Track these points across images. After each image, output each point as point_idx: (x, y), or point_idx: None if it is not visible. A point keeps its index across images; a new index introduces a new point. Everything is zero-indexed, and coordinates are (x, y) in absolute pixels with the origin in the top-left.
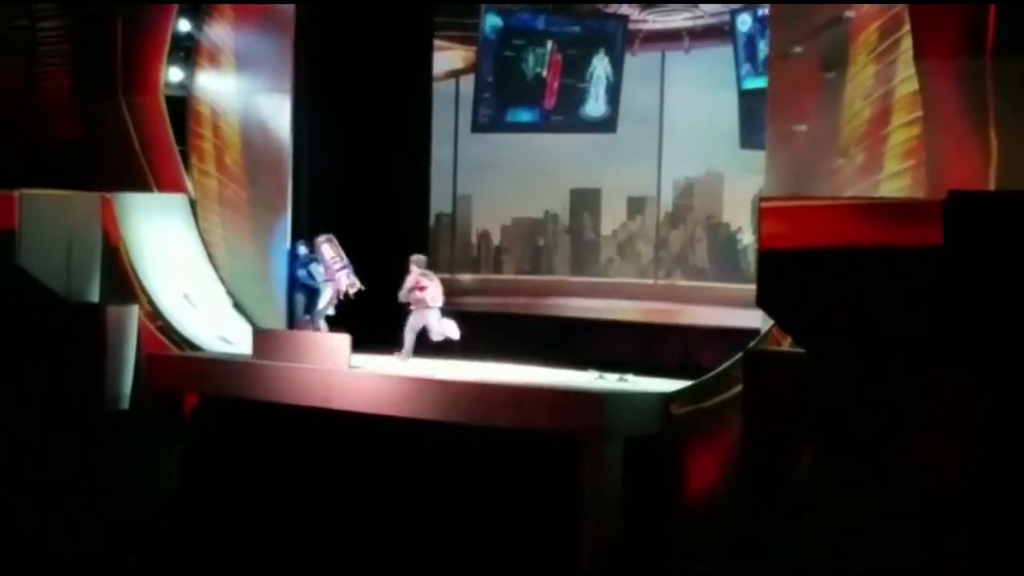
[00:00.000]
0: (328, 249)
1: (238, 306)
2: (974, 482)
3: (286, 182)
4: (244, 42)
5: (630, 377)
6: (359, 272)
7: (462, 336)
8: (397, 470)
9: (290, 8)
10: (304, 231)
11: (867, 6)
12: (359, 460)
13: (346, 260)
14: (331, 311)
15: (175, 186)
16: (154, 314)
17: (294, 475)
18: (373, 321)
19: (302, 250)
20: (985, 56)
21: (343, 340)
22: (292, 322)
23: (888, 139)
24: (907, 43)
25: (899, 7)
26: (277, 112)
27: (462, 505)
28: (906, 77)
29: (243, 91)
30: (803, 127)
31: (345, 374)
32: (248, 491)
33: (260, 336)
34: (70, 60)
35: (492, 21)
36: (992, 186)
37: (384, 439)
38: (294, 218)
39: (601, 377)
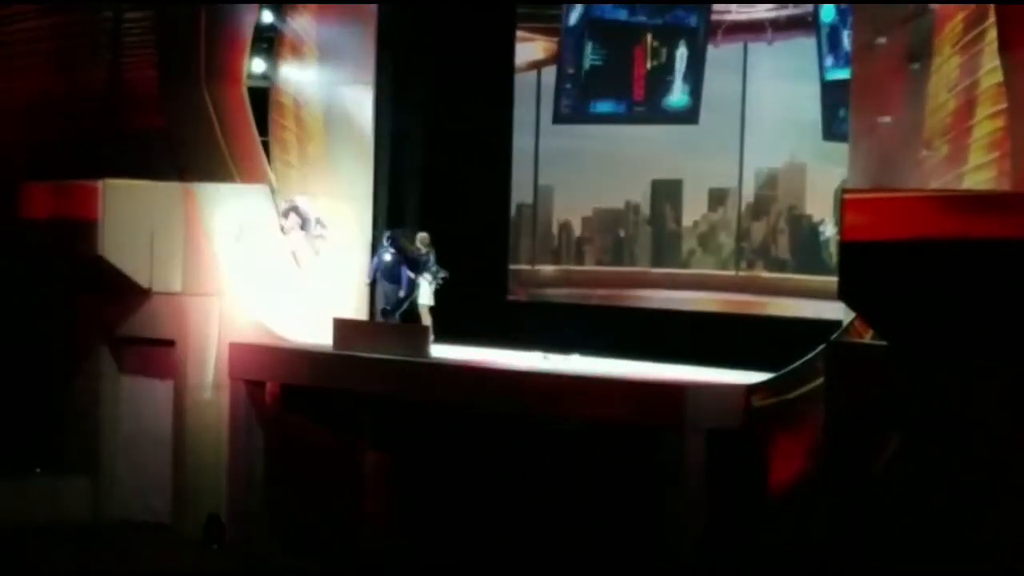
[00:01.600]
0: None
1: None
2: None
3: (368, 173)
4: (327, 34)
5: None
6: (442, 263)
7: (543, 327)
8: (477, 461)
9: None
10: (385, 222)
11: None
12: (440, 450)
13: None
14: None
15: (257, 176)
16: (235, 304)
17: (375, 463)
18: (455, 312)
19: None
20: None
21: (423, 330)
22: (375, 312)
23: (973, 131)
24: (992, 35)
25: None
26: (359, 104)
27: (544, 496)
28: (991, 69)
29: (325, 82)
30: (887, 119)
31: (425, 364)
32: (332, 476)
33: (341, 326)
34: (154, 51)
35: (575, 12)
36: None
37: (464, 430)
38: (376, 209)
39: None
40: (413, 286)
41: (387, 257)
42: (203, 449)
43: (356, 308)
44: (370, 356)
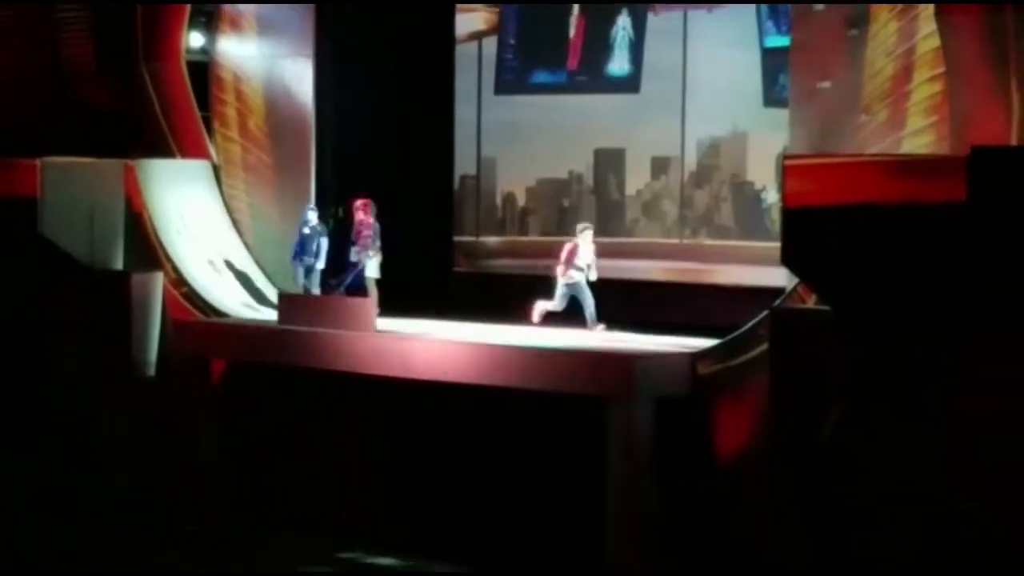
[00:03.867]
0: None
1: (264, 271)
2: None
3: (310, 146)
4: (266, 7)
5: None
6: (386, 236)
7: (488, 298)
8: (424, 432)
9: None
10: (329, 195)
11: None
12: (387, 423)
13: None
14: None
15: (198, 152)
16: (179, 281)
17: (323, 437)
18: (400, 284)
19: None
20: (1006, 10)
21: (368, 304)
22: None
23: (911, 95)
24: None
25: None
26: (300, 77)
27: (492, 467)
28: (928, 33)
29: (265, 56)
30: (826, 84)
31: (371, 337)
32: (277, 453)
33: (286, 301)
34: (91, 27)
35: None
36: (1014, 141)
37: (411, 402)
38: (318, 182)
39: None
40: (358, 260)
41: (305, 231)
42: (151, 427)
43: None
44: (315, 331)
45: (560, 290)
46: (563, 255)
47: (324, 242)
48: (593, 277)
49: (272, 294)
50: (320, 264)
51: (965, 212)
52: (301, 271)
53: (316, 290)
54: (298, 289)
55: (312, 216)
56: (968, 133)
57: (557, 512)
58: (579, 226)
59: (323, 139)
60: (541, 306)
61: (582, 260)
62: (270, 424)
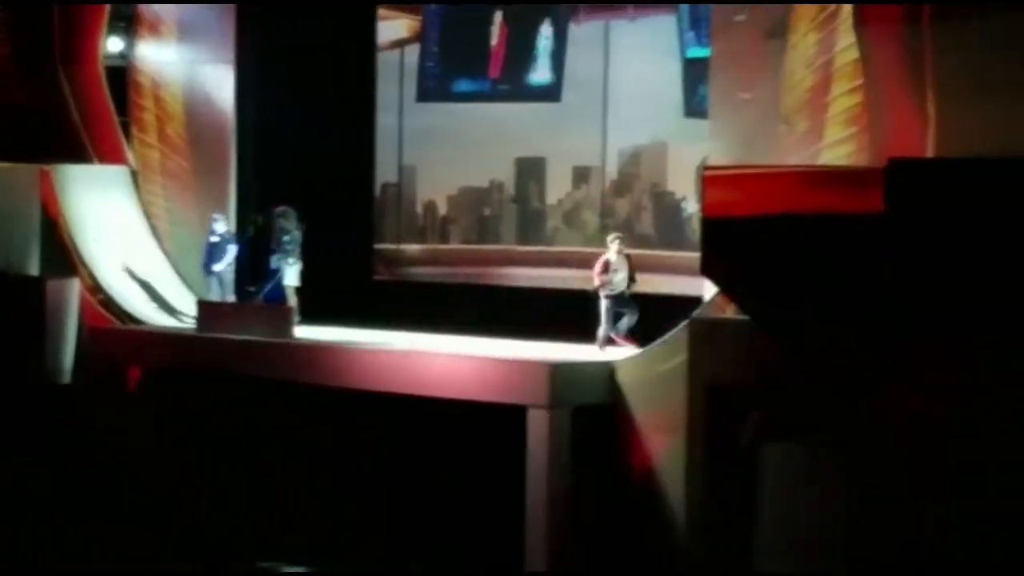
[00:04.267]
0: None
1: (182, 278)
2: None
3: (230, 153)
4: (186, 12)
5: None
6: (307, 243)
7: (409, 306)
8: (343, 440)
9: None
10: (249, 202)
11: None
12: (305, 430)
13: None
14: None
15: (116, 158)
16: (95, 287)
17: (240, 444)
18: (320, 292)
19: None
20: (923, 23)
21: (287, 311)
22: (238, 294)
23: (830, 107)
24: (847, 11)
25: None
26: (220, 83)
27: (411, 473)
28: (847, 45)
29: (185, 61)
30: (746, 95)
31: (289, 345)
32: (196, 460)
33: (204, 308)
34: (7, 29)
35: None
36: (931, 152)
37: (330, 409)
38: (239, 189)
39: None
40: (278, 268)
41: (214, 239)
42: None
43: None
44: (233, 337)
45: (604, 304)
46: (596, 268)
47: (232, 249)
48: (633, 287)
49: (187, 301)
50: (220, 268)
51: (883, 223)
52: (215, 280)
53: (230, 297)
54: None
55: (220, 224)
56: (886, 144)
57: (477, 519)
58: (609, 237)
59: (243, 145)
60: (606, 332)
61: (619, 270)
62: (187, 430)
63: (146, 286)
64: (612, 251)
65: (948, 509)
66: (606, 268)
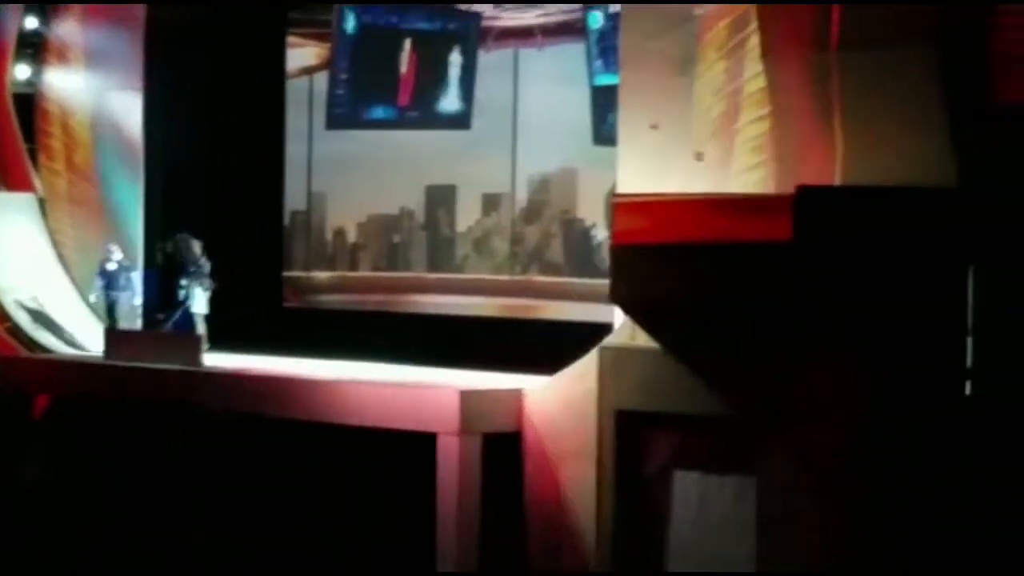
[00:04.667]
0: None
1: (89, 306)
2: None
3: (139, 181)
4: (94, 39)
5: None
6: (216, 271)
7: (319, 334)
8: (252, 467)
9: (140, 4)
10: (158, 230)
11: (716, 3)
12: (216, 456)
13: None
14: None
15: (23, 185)
16: (2, 315)
17: (150, 472)
18: (230, 320)
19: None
20: (830, 51)
21: (196, 339)
22: (146, 321)
23: (739, 134)
24: (754, 40)
25: (746, 5)
26: (129, 110)
27: (323, 501)
28: (755, 73)
29: (93, 89)
30: (655, 123)
31: (199, 372)
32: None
33: (112, 336)
34: None
35: (347, 18)
36: (838, 180)
37: (241, 436)
38: (147, 217)
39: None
40: (186, 295)
41: (111, 267)
42: None
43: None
44: (142, 366)
45: None
46: None
47: (136, 277)
48: None
49: (95, 329)
50: (137, 299)
51: (791, 250)
52: (103, 304)
53: (125, 325)
54: (103, 323)
55: (116, 253)
56: (794, 172)
57: (389, 546)
58: None
59: (152, 173)
60: None
61: None
62: (93, 458)
63: (53, 314)
64: None
65: (853, 535)
66: None
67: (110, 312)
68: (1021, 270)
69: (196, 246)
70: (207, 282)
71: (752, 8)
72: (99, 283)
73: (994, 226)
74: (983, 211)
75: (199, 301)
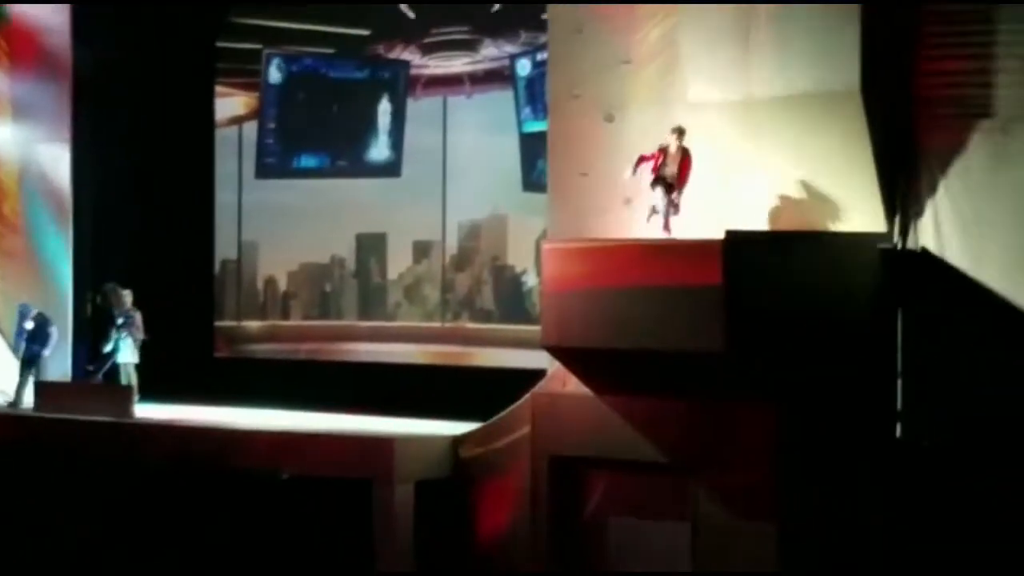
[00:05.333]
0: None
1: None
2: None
3: (68, 231)
4: (20, 90)
5: None
6: (147, 321)
7: (251, 383)
8: (189, 518)
9: (67, 55)
10: (88, 281)
11: (644, 50)
12: (150, 508)
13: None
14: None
15: None
16: None
17: (84, 524)
18: (161, 370)
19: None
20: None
21: (127, 390)
22: (76, 373)
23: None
24: (682, 86)
25: (675, 52)
26: (56, 161)
27: (257, 551)
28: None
29: (21, 140)
30: (584, 170)
31: (130, 423)
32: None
33: (43, 388)
34: None
35: (274, 67)
36: (767, 225)
37: (174, 487)
38: (76, 268)
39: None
40: (115, 346)
41: (28, 325)
42: None
43: (59, 369)
44: (73, 418)
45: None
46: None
47: (54, 331)
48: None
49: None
50: (47, 352)
51: (722, 293)
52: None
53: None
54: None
55: (31, 308)
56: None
57: None
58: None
59: (81, 224)
60: None
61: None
62: (22, 511)
63: None
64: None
65: None
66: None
67: (30, 366)
68: (947, 314)
69: (126, 296)
70: (137, 332)
71: (680, 54)
72: (19, 340)
73: (921, 271)
74: (911, 257)
75: (127, 351)
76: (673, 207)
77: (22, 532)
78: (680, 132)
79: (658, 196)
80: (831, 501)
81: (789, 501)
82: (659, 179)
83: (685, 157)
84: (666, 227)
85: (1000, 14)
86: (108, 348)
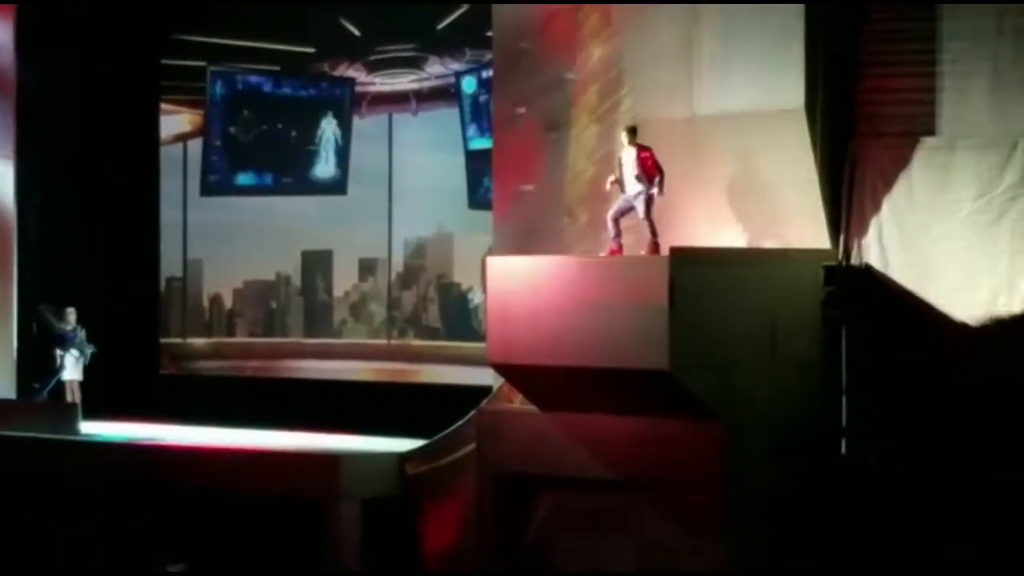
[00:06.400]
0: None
1: None
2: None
3: (11, 249)
4: None
5: None
6: (92, 338)
7: (196, 400)
8: (135, 538)
9: (11, 71)
10: (31, 299)
11: (588, 67)
12: (95, 528)
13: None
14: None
15: None
16: None
17: (29, 544)
18: (106, 387)
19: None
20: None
21: (72, 407)
22: (21, 391)
23: (612, 198)
24: (626, 104)
25: (619, 69)
26: (0, 178)
27: (201, 571)
28: None
29: None
30: (529, 187)
31: (76, 441)
32: None
33: None
34: None
35: (219, 84)
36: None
37: (121, 507)
38: (20, 286)
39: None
40: (60, 363)
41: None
42: None
43: (3, 386)
44: (18, 435)
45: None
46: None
47: None
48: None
49: None
50: None
51: (666, 311)
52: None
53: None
54: None
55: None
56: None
57: None
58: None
59: (25, 242)
60: None
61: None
62: None
63: None
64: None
65: None
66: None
67: None
68: (891, 331)
69: (69, 314)
70: (82, 349)
71: (623, 72)
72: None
73: (865, 288)
74: (855, 273)
75: (71, 369)
76: (650, 199)
77: None
78: (631, 131)
79: (633, 199)
80: (780, 519)
81: (737, 519)
82: (620, 183)
83: (641, 151)
84: (652, 231)
85: (944, 31)
86: (58, 365)
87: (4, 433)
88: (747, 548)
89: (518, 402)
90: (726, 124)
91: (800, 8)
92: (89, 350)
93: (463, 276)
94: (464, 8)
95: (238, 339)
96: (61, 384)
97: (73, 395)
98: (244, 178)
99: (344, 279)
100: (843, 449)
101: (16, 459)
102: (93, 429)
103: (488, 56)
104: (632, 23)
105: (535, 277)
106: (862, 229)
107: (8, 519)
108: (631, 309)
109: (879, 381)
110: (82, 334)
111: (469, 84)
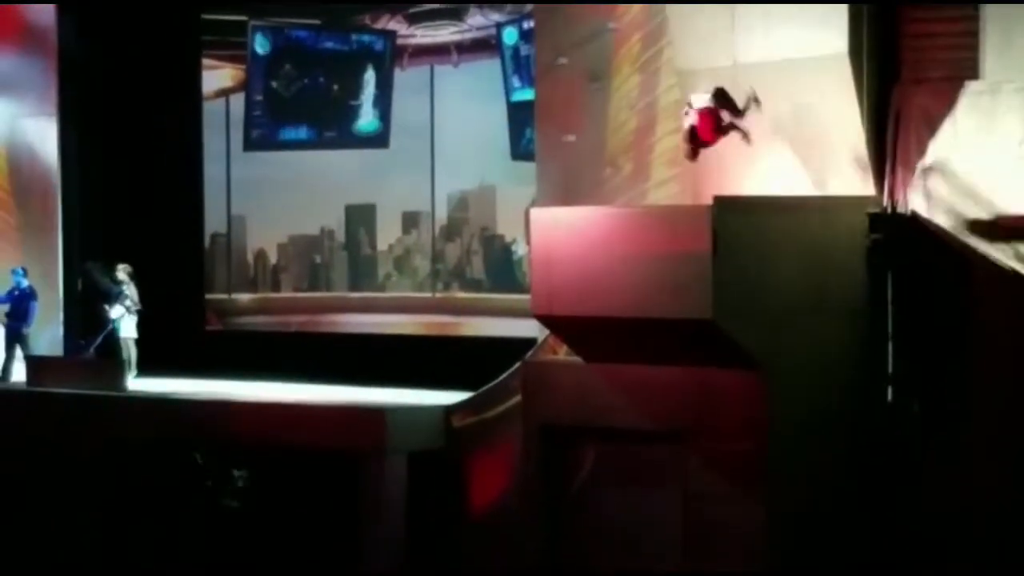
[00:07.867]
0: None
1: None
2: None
3: (55, 206)
4: (5, 65)
5: None
6: (138, 294)
7: (242, 356)
8: (184, 491)
9: (52, 29)
10: (76, 255)
11: (629, 17)
12: (146, 481)
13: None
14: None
15: None
16: None
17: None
18: (153, 344)
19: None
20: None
21: (119, 364)
22: (68, 347)
23: (654, 148)
24: (668, 53)
25: (661, 18)
26: (43, 136)
27: (252, 523)
28: (669, 86)
29: (6, 116)
30: (571, 137)
31: (123, 397)
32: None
33: (34, 363)
34: None
35: (260, 39)
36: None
37: (168, 461)
38: (65, 243)
39: None
40: (108, 320)
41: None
42: None
43: (51, 343)
44: (66, 392)
45: None
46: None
47: (34, 306)
48: None
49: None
50: (28, 328)
51: (709, 260)
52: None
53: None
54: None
55: (22, 279)
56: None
57: (314, 568)
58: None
59: (69, 199)
60: None
61: None
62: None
63: None
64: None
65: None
66: None
67: (15, 342)
68: (940, 277)
69: (120, 270)
70: (132, 306)
71: (665, 21)
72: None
73: (911, 234)
74: (900, 220)
75: (126, 325)
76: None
77: (13, 509)
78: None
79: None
80: (822, 467)
81: (779, 468)
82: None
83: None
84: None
85: None
86: (113, 318)
87: (52, 390)
88: (789, 497)
89: (563, 353)
90: (769, 72)
91: None
92: (135, 307)
93: (507, 228)
94: None
95: (283, 294)
96: (111, 341)
97: (128, 352)
98: (287, 133)
99: (388, 233)
100: (889, 397)
101: (65, 417)
102: (140, 385)
103: (529, 7)
104: None
105: (579, 228)
106: (907, 175)
107: (57, 476)
108: (675, 258)
109: (925, 329)
110: (131, 291)
111: (510, 35)
